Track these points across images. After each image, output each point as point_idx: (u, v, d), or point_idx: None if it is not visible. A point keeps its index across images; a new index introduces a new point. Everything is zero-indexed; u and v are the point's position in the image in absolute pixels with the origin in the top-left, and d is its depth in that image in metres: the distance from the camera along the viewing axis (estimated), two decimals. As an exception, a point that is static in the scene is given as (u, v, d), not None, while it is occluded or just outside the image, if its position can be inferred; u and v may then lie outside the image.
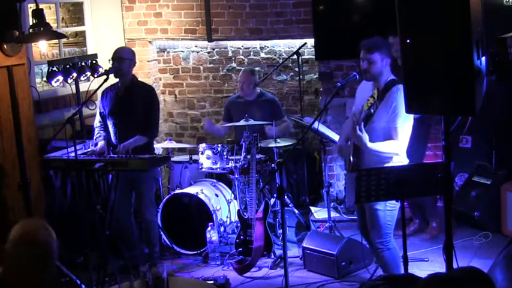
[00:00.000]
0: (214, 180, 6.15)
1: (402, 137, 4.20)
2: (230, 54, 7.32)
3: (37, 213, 5.00)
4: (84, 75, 5.78)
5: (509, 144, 6.00)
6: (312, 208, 6.52)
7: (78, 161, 4.78)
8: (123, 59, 5.25)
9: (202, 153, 5.88)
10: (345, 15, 6.06)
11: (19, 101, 4.92)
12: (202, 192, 5.75)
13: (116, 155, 5.08)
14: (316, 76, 7.00)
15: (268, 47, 7.19)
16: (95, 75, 5.87)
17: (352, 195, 4.38)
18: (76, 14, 7.51)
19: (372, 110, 4.28)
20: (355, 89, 4.67)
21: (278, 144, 5.81)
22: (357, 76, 4.38)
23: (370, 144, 4.13)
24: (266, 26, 6.81)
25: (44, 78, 5.90)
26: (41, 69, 6.61)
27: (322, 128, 5.50)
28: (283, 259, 4.36)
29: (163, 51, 7.51)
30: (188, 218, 5.80)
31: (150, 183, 5.39)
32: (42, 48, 5.39)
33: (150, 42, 7.28)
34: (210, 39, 7.00)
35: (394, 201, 4.21)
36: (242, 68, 6.64)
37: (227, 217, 5.92)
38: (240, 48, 7.28)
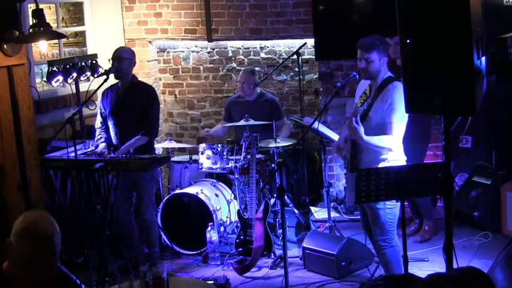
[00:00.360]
0: (214, 180, 6.15)
1: (397, 132, 4.22)
2: (230, 54, 7.32)
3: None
4: (84, 75, 5.78)
5: (509, 144, 5.99)
6: (312, 208, 6.51)
7: (78, 161, 4.79)
8: (123, 58, 5.24)
9: (202, 153, 5.88)
10: (345, 15, 6.07)
11: (19, 101, 4.92)
12: (202, 192, 5.75)
13: (116, 155, 5.09)
14: (316, 76, 7.00)
15: (268, 47, 7.18)
16: (95, 75, 5.87)
17: (352, 195, 4.39)
18: (76, 14, 7.51)
19: (365, 106, 4.29)
20: (355, 89, 4.67)
21: (278, 144, 5.82)
22: (357, 76, 4.38)
23: (365, 137, 4.15)
24: (266, 26, 6.81)
25: (44, 78, 5.89)
26: (41, 69, 6.60)
27: (322, 128, 5.50)
28: (283, 259, 4.36)
29: (163, 51, 7.51)
30: (188, 218, 5.80)
31: (150, 183, 5.38)
32: (42, 48, 5.39)
33: (150, 42, 7.27)
34: (210, 39, 7.00)
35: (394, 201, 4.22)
36: (242, 68, 6.63)
37: (227, 217, 5.92)
38: (240, 48, 7.28)
